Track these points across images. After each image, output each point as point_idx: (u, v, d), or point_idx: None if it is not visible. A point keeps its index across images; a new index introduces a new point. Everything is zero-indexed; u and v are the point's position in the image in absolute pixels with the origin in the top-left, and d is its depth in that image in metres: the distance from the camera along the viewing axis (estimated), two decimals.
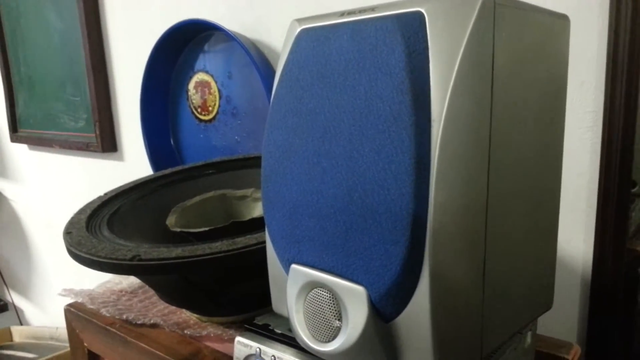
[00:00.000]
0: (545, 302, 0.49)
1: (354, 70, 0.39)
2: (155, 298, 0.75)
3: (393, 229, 0.36)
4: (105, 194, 0.78)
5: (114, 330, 0.68)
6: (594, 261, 0.68)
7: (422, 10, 0.36)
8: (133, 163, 1.37)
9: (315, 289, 0.43)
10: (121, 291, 0.78)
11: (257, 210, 0.79)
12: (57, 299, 1.89)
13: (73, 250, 0.59)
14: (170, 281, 0.62)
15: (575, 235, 0.69)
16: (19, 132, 1.73)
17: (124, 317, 0.69)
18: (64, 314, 0.76)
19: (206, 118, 1.11)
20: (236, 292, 0.62)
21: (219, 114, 1.08)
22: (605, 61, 0.63)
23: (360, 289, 0.39)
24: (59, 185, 1.70)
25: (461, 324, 0.38)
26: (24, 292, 2.10)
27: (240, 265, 0.56)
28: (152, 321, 0.68)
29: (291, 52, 0.44)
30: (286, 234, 0.45)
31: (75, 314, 0.74)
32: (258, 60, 0.93)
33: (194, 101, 1.13)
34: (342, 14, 0.41)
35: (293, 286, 0.44)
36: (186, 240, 0.66)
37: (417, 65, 0.35)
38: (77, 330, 0.75)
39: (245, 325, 0.53)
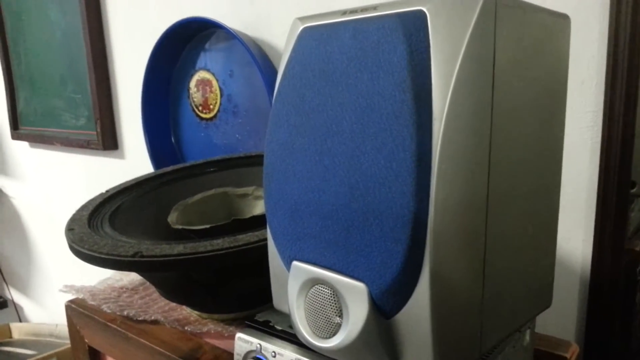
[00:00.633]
0: (544, 300, 0.49)
1: (356, 69, 0.39)
2: (156, 295, 0.75)
3: (394, 227, 0.37)
4: (107, 191, 0.79)
5: (114, 326, 0.68)
6: (593, 260, 0.68)
7: (424, 9, 0.36)
8: (134, 161, 1.37)
9: (316, 286, 0.43)
10: (122, 288, 0.79)
11: (258, 208, 0.79)
12: (56, 295, 1.89)
13: (75, 246, 0.59)
14: (172, 278, 0.62)
15: (575, 235, 0.69)
16: (20, 129, 1.73)
17: (125, 313, 0.69)
18: (65, 310, 0.76)
19: (207, 116, 1.11)
20: (237, 289, 0.62)
21: (220, 112, 1.08)
22: (606, 60, 0.63)
23: (361, 285, 0.39)
24: (59, 182, 1.70)
25: (461, 321, 0.38)
26: (23, 289, 2.11)
27: (241, 263, 0.56)
28: (152, 318, 0.68)
29: (293, 51, 0.45)
30: (288, 231, 0.45)
31: (76, 310, 0.75)
32: (259, 58, 0.94)
33: (195, 99, 1.13)
34: (344, 12, 0.41)
35: (294, 283, 0.44)
36: (187, 238, 0.66)
37: (419, 64, 0.36)
38: (78, 327, 0.75)
39: (246, 322, 0.53)
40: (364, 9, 0.40)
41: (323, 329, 0.42)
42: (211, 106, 1.10)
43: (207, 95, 1.10)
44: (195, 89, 1.12)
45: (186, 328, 0.65)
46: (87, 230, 0.64)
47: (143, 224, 0.73)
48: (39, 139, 1.65)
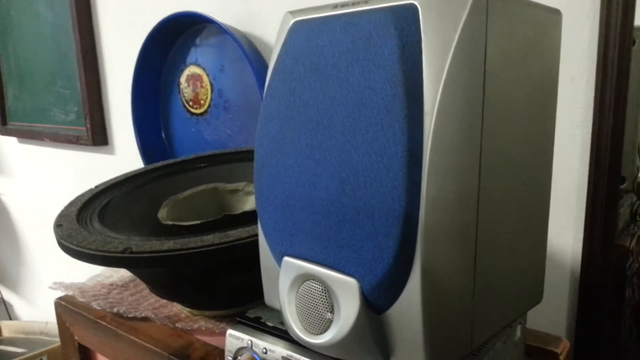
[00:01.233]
0: (535, 296, 0.49)
1: (347, 63, 0.39)
2: (146, 291, 0.75)
3: (385, 222, 0.36)
4: (96, 187, 0.78)
5: (104, 323, 0.68)
6: (583, 256, 0.68)
7: (416, 3, 0.36)
8: (124, 156, 1.36)
9: (307, 282, 0.43)
10: (112, 284, 0.78)
11: (249, 204, 0.79)
12: (47, 293, 1.88)
13: (64, 242, 0.59)
14: (162, 274, 0.62)
15: (565, 230, 0.70)
16: (8, 124, 1.71)
17: (115, 310, 0.69)
18: (55, 307, 0.76)
19: (198, 111, 1.11)
20: (228, 286, 0.62)
21: (210, 108, 1.08)
22: (596, 56, 0.63)
23: (352, 281, 0.39)
24: (48, 178, 1.69)
25: (452, 316, 0.38)
26: (13, 286, 2.09)
27: (232, 259, 0.56)
28: (143, 314, 0.68)
29: (284, 45, 0.44)
30: (279, 226, 0.45)
31: (65, 307, 0.74)
32: (250, 53, 0.93)
33: (185, 94, 1.12)
34: (336, 6, 0.41)
35: (285, 279, 0.44)
36: (178, 234, 0.65)
37: (410, 58, 0.35)
38: (68, 324, 0.75)
39: (237, 318, 0.53)
40: (355, 3, 0.40)
41: (314, 325, 0.42)
42: (202, 101, 1.09)
43: (197, 90, 1.09)
44: (186, 84, 1.11)
45: (177, 325, 0.65)
46: (76, 226, 0.63)
47: (133, 219, 0.72)
48: (27, 135, 1.64)
